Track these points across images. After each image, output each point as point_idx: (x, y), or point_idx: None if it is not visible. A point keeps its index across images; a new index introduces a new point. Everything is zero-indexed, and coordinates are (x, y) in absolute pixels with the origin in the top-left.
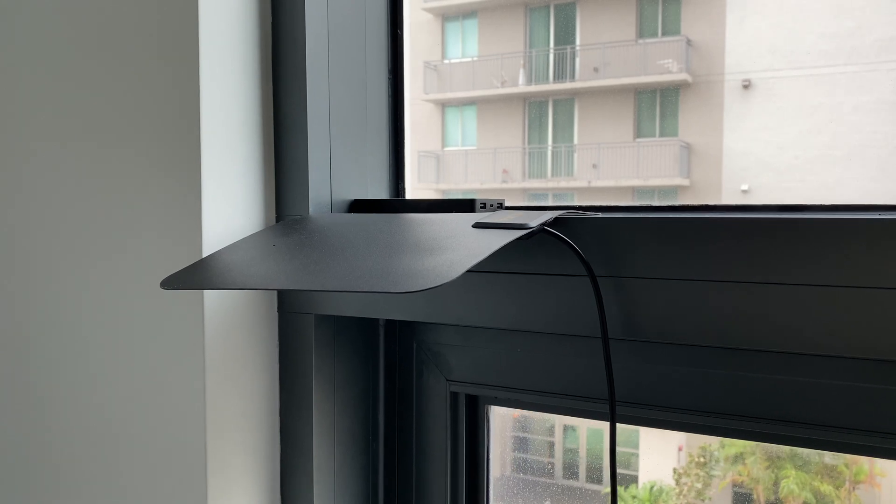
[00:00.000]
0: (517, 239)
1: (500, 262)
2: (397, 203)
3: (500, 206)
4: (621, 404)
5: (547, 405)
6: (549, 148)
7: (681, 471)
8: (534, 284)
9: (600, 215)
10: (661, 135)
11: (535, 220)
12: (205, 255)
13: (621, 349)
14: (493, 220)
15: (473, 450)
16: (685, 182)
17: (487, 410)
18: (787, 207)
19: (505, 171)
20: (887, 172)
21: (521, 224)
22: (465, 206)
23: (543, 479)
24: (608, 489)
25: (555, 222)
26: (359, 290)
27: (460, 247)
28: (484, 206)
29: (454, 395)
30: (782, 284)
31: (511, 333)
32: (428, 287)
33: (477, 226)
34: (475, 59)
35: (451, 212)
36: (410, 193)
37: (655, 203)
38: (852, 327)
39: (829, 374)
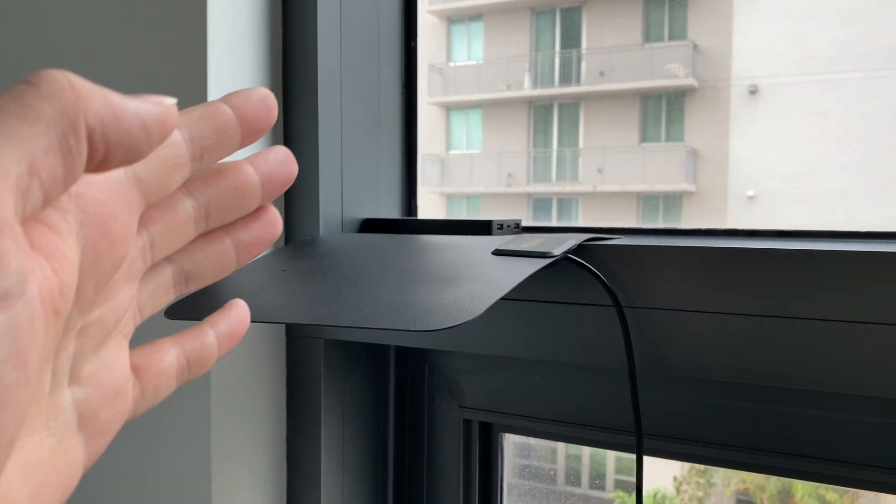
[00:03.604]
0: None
1: (519, 290)
2: (411, 223)
3: (518, 226)
4: (646, 437)
5: (565, 435)
6: (554, 152)
7: (681, 479)
8: (555, 313)
9: (624, 242)
10: (667, 140)
11: (558, 247)
12: None
13: (643, 380)
14: (513, 248)
15: (487, 479)
16: (691, 188)
17: (501, 439)
18: (817, 234)
19: (510, 176)
20: (895, 180)
21: (545, 252)
22: (482, 227)
23: (545, 486)
24: (611, 495)
25: (578, 249)
26: (375, 326)
27: (481, 277)
28: (501, 228)
29: (467, 423)
30: (819, 320)
31: (528, 360)
32: (450, 325)
33: (497, 253)
34: (480, 62)
35: (467, 233)
36: None
37: (661, 221)
38: (885, 366)
39: (859, 411)
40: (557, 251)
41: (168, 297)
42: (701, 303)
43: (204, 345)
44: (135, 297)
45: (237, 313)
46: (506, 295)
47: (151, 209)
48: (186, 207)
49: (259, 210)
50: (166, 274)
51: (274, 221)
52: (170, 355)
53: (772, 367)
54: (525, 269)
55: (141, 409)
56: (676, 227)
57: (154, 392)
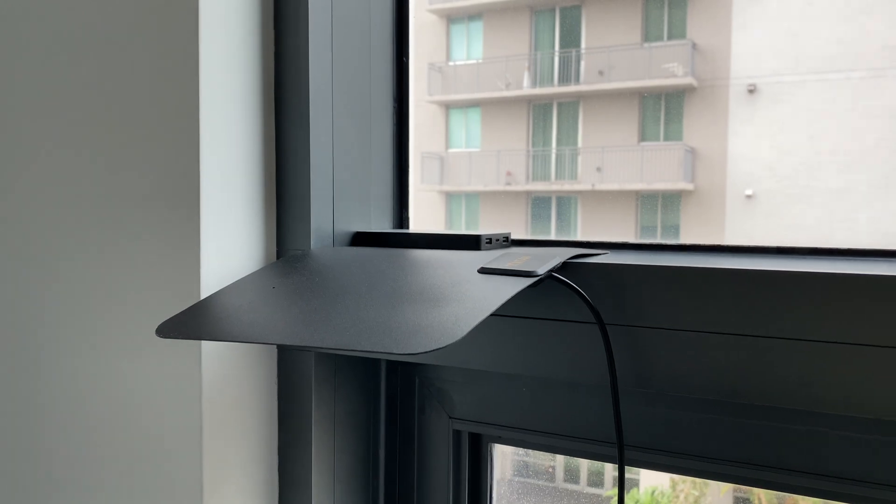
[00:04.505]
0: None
1: (506, 306)
2: (400, 237)
3: (507, 239)
4: (629, 448)
5: (554, 446)
6: (553, 151)
7: (677, 478)
8: (542, 329)
9: (609, 259)
10: (666, 139)
11: (543, 266)
12: (203, 292)
13: (630, 395)
14: (499, 266)
15: (476, 490)
16: (689, 187)
17: (491, 449)
18: (801, 251)
19: (509, 174)
20: (893, 180)
21: (529, 271)
22: (471, 242)
23: (544, 483)
24: (609, 493)
25: (563, 267)
26: (359, 349)
27: (466, 297)
28: (490, 242)
29: (457, 434)
30: (798, 340)
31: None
32: (431, 349)
33: (483, 271)
34: (480, 61)
35: (455, 247)
36: (413, 195)
37: (660, 219)
38: (862, 386)
39: (839, 427)
40: (542, 270)
41: None
42: (682, 321)
43: None
44: None
45: None
46: (493, 311)
47: None
48: None
49: None
50: None
51: None
52: None
53: (752, 385)
54: (509, 288)
55: None
56: (666, 242)
57: None
